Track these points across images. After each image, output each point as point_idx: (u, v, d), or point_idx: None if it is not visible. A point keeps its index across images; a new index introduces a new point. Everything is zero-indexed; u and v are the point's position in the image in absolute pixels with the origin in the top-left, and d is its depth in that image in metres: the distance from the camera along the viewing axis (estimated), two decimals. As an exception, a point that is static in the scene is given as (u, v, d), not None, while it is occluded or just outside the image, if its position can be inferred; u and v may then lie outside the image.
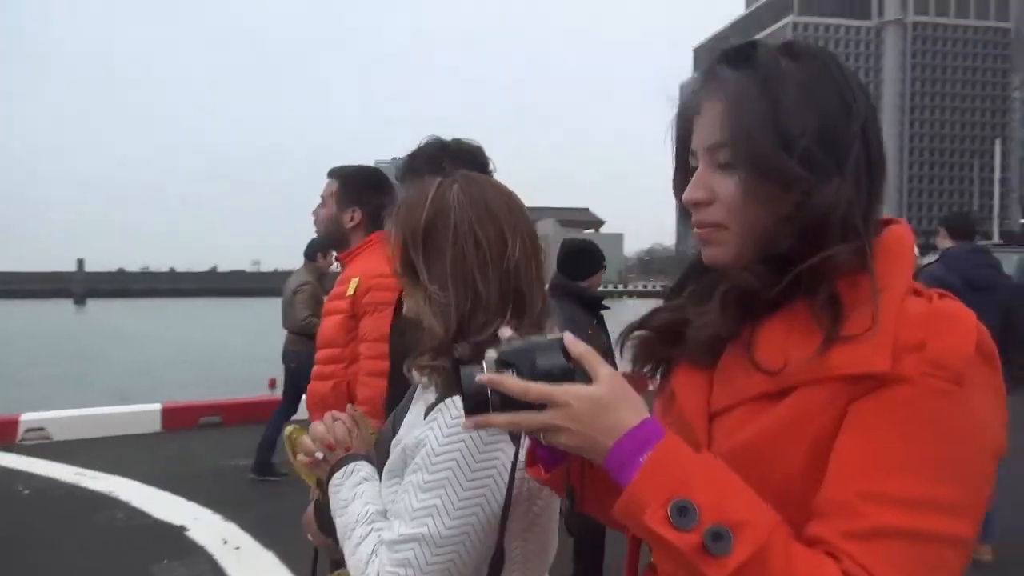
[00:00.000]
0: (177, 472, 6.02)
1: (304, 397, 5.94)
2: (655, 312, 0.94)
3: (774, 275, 0.79)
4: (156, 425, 7.62)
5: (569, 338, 0.79)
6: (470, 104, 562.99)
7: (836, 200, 0.77)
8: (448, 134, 1.98)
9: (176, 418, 7.75)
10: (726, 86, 0.82)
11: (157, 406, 7.84)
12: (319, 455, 1.25)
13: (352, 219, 2.55)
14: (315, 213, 2.65)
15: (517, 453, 1.02)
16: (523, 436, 0.95)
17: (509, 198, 1.17)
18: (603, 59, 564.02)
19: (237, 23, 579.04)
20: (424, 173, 1.80)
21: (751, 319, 0.82)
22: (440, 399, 1.10)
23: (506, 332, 0.83)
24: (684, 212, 0.89)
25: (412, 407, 1.22)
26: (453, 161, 1.83)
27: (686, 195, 0.86)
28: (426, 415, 1.12)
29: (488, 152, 1.97)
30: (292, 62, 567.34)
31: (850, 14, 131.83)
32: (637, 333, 0.94)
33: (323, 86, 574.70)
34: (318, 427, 1.26)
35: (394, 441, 1.18)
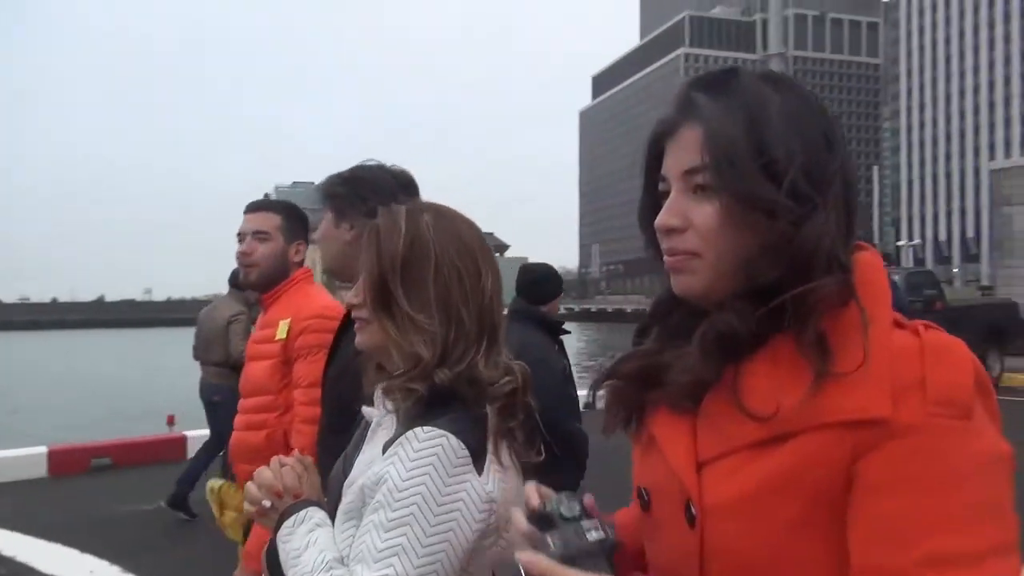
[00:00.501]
0: (68, 521, 5.57)
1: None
2: (625, 359, 0.90)
3: (754, 312, 0.77)
4: (42, 470, 7.07)
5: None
6: (367, 127, 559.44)
7: (823, 232, 0.76)
8: (344, 160, 1.97)
9: (64, 462, 7.21)
10: (706, 111, 0.80)
11: (43, 449, 7.28)
12: (266, 503, 1.16)
13: (297, 253, 2.43)
14: (249, 248, 2.38)
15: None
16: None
17: (478, 231, 1.18)
18: (505, 84, 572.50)
19: (126, 44, 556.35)
20: (371, 201, 1.79)
21: (733, 359, 0.79)
22: (399, 433, 1.06)
23: (533, 496, 0.84)
24: (651, 240, 0.87)
25: (365, 447, 1.17)
26: (398, 189, 1.84)
27: (660, 221, 0.83)
28: (384, 450, 1.07)
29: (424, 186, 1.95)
30: (187, 82, 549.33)
31: (737, 47, 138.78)
32: (608, 383, 0.91)
33: (222, 109, 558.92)
34: (265, 473, 1.18)
35: (347, 483, 1.13)
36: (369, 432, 1.19)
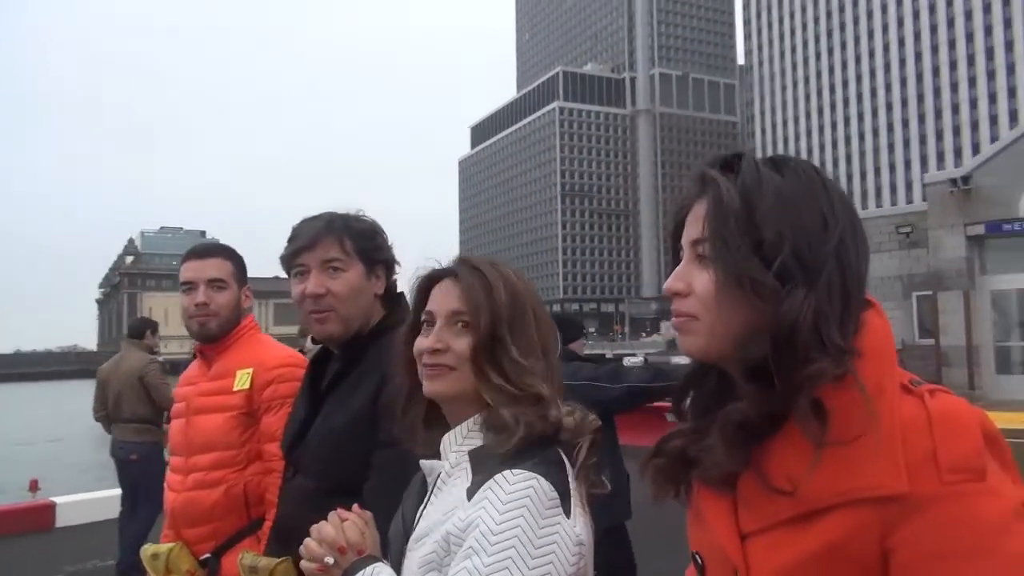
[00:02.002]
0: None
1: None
2: (669, 438, 0.95)
3: (765, 393, 0.81)
4: None
5: None
6: (236, 175, 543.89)
7: (802, 311, 0.78)
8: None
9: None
10: (711, 188, 0.86)
11: None
12: (329, 560, 1.12)
13: (247, 299, 2.30)
14: (207, 298, 2.20)
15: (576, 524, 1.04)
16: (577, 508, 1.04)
17: (528, 281, 1.24)
18: (384, 133, 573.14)
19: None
20: (387, 252, 1.78)
21: (756, 442, 0.83)
22: (481, 479, 1.05)
23: None
24: (669, 301, 0.94)
25: (434, 500, 1.14)
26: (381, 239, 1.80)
27: (666, 285, 0.90)
28: (469, 496, 1.05)
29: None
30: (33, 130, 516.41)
31: (608, 103, 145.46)
32: (654, 461, 0.95)
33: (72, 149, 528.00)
34: (327, 528, 1.15)
35: (415, 537, 1.12)
36: (435, 485, 1.16)
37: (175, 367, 5.89)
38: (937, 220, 15.64)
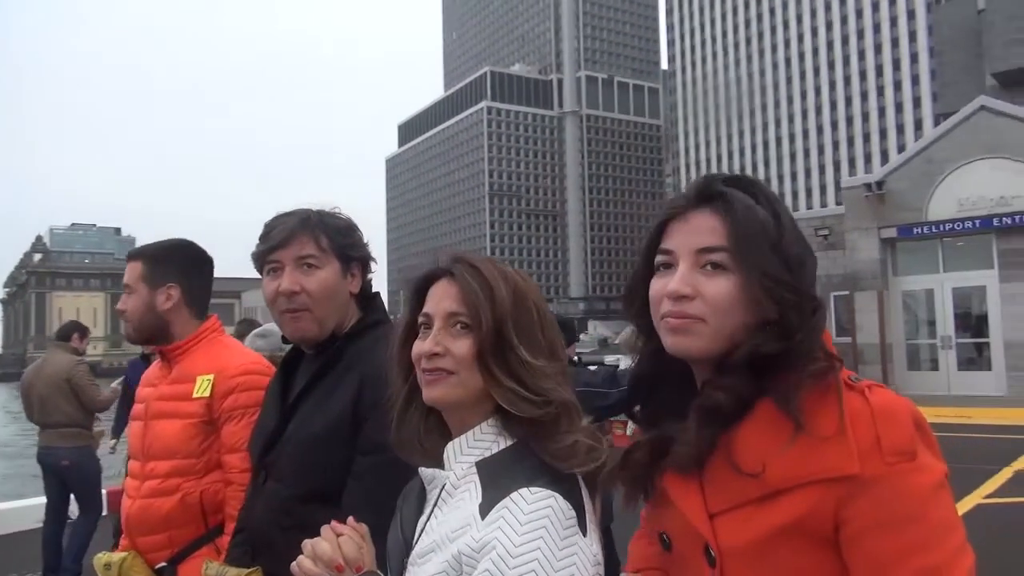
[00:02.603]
0: None
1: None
2: (632, 450, 1.02)
3: (746, 385, 0.92)
4: None
5: None
6: (158, 173, 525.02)
7: (823, 321, 0.94)
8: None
9: None
10: (731, 203, 0.95)
11: None
12: None
13: (169, 298, 2.13)
14: (122, 304, 2.17)
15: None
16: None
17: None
18: (311, 132, 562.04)
19: None
20: (348, 249, 1.71)
21: (724, 428, 0.93)
22: (494, 495, 1.00)
23: None
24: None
25: (437, 512, 1.08)
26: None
27: (674, 287, 0.95)
28: (483, 514, 0.99)
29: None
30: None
31: (536, 104, 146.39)
32: (622, 473, 1.02)
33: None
34: (322, 545, 1.09)
35: (418, 552, 1.07)
36: (439, 496, 1.10)
37: (91, 369, 5.61)
38: (853, 223, 16.36)
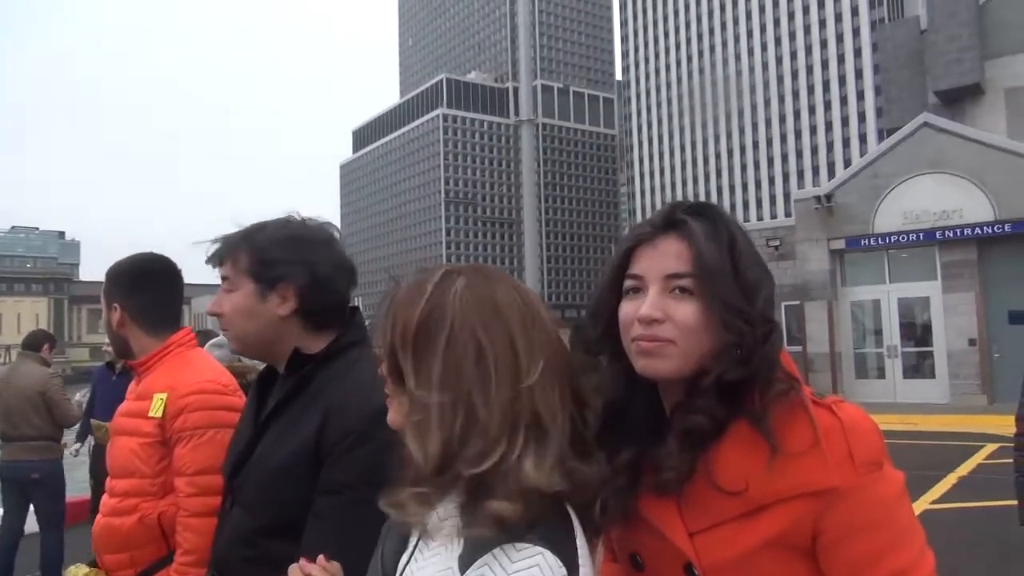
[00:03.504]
0: None
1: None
2: (615, 475, 0.99)
3: (720, 407, 0.95)
4: None
5: None
6: (113, 183, 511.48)
7: (780, 345, 0.97)
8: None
9: None
10: (696, 231, 0.98)
11: None
12: None
13: (115, 317, 2.11)
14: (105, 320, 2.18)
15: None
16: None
17: (526, 302, 0.95)
18: (263, 136, 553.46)
19: None
20: (319, 266, 1.57)
21: (702, 449, 0.96)
22: (475, 549, 0.86)
23: None
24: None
25: (418, 555, 0.95)
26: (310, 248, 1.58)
27: (645, 312, 0.97)
28: (462, 570, 0.87)
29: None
30: None
31: (491, 111, 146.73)
32: (604, 499, 0.97)
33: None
34: None
35: None
36: (420, 536, 0.97)
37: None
38: (804, 234, 16.75)
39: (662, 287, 0.97)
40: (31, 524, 5.25)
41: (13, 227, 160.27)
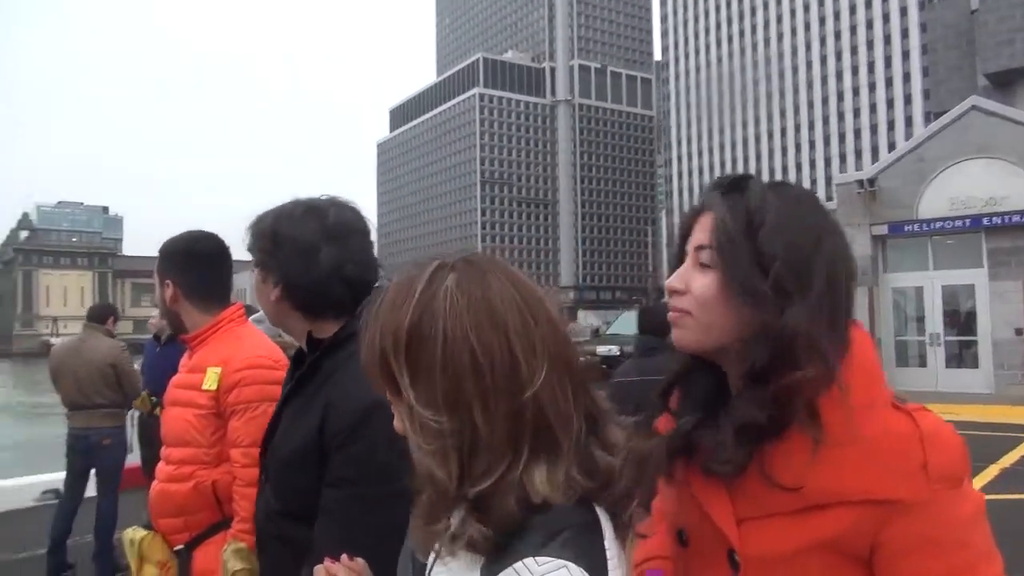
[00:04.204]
0: None
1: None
2: (662, 441, 0.99)
3: (762, 396, 0.89)
4: None
5: None
6: (155, 160, 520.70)
7: (799, 322, 0.88)
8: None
9: None
10: (720, 201, 0.96)
11: None
12: None
13: (168, 293, 2.20)
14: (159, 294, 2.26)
15: None
16: None
17: (524, 296, 0.85)
18: (302, 113, 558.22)
19: None
20: (291, 257, 1.56)
21: (761, 441, 0.91)
22: (497, 563, 0.79)
23: None
24: (661, 292, 1.08)
25: (439, 565, 0.87)
26: (321, 239, 1.55)
27: (667, 282, 0.99)
28: None
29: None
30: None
31: (528, 91, 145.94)
32: (656, 454, 0.97)
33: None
34: None
35: None
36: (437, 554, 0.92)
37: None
38: (844, 219, 16.44)
39: (693, 259, 0.97)
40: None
41: (59, 202, 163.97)
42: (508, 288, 0.84)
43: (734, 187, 0.97)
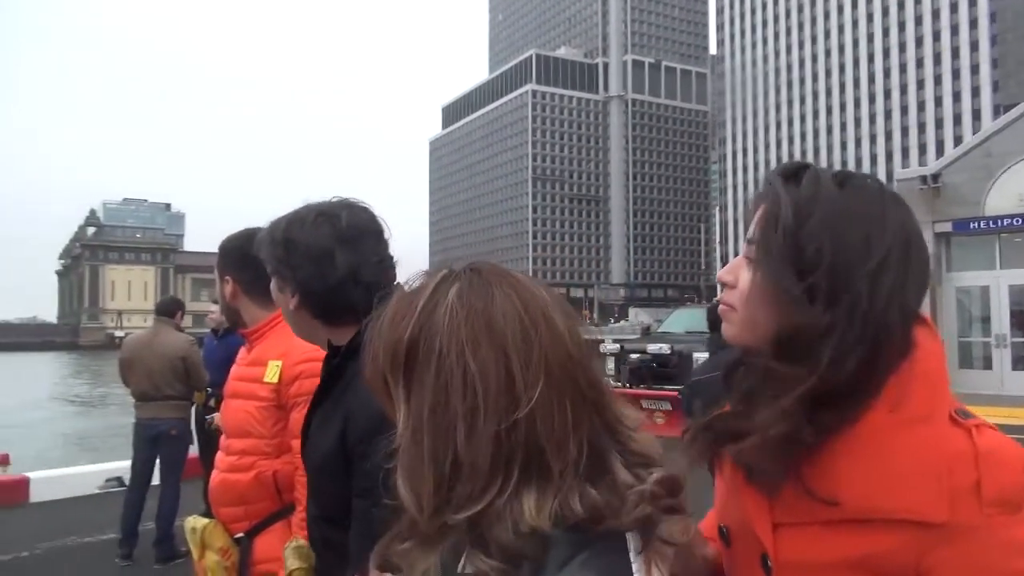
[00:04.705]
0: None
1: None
2: (719, 417, 0.95)
3: (802, 413, 0.83)
4: None
5: None
6: (215, 158, 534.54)
7: (812, 324, 0.82)
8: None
9: None
10: (770, 195, 0.91)
11: None
12: None
13: (228, 289, 2.29)
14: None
15: None
16: None
17: (527, 308, 0.79)
18: (359, 111, 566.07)
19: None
20: (303, 267, 1.54)
21: (798, 453, 0.85)
22: None
23: None
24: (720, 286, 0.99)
25: None
26: (335, 245, 1.52)
27: (719, 274, 0.96)
28: None
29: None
30: None
31: (581, 87, 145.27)
32: (703, 433, 0.95)
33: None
34: None
35: None
36: None
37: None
38: (906, 216, 15.96)
39: (745, 252, 0.94)
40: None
41: (125, 199, 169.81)
42: (512, 300, 0.79)
43: (792, 176, 0.91)
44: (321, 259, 1.52)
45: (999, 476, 0.78)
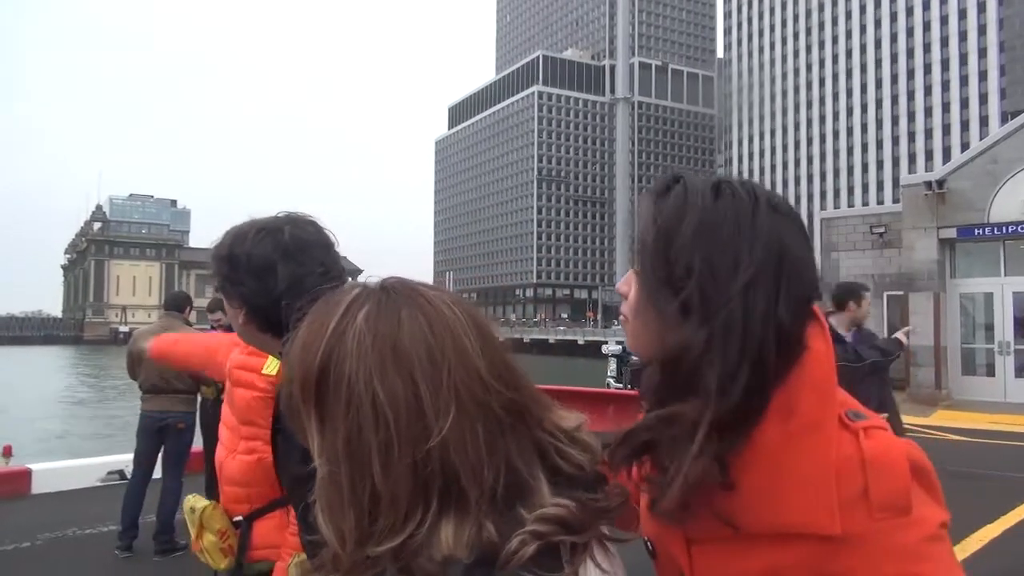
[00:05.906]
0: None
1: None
2: (636, 430, 0.90)
3: (714, 445, 0.81)
4: None
5: None
6: (221, 155, 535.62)
7: (688, 345, 0.80)
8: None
9: None
10: (642, 214, 0.90)
11: None
12: None
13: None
14: None
15: None
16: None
17: (434, 330, 0.76)
18: (363, 110, 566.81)
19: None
20: (247, 284, 1.55)
21: (702, 485, 0.83)
22: None
23: None
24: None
25: None
26: (279, 259, 1.53)
27: (617, 284, 0.95)
28: None
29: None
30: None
31: (586, 89, 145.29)
32: (620, 449, 0.90)
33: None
34: None
35: None
36: None
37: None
38: (911, 222, 15.95)
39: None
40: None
41: (131, 195, 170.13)
42: (419, 323, 0.75)
43: (663, 191, 0.88)
44: (263, 273, 1.54)
45: (885, 482, 0.78)
